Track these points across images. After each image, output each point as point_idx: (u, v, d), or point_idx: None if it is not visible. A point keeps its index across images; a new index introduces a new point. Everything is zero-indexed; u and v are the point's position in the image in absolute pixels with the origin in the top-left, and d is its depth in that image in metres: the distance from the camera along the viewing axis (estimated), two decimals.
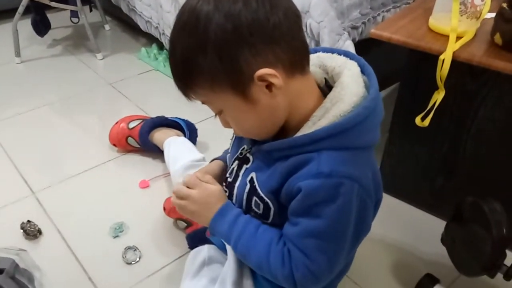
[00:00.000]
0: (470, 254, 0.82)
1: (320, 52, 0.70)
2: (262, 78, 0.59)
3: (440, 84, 0.91)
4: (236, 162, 0.74)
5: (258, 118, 0.64)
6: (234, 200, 0.74)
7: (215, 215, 0.73)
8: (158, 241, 1.07)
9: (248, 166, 0.71)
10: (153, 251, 1.05)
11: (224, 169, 0.88)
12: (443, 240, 0.90)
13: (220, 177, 0.85)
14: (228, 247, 0.82)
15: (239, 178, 0.72)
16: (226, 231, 0.72)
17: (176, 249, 1.05)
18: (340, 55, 0.69)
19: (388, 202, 1.16)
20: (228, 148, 0.88)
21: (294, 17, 0.61)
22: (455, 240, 0.87)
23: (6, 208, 1.16)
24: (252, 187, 0.68)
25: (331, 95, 0.63)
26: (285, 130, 0.67)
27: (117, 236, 1.08)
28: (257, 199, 0.69)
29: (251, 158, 0.71)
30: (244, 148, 0.74)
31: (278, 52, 0.59)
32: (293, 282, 0.66)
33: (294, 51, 0.61)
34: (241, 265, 0.80)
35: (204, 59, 0.58)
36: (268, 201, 0.67)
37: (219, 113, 0.67)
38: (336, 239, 0.64)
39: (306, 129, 0.63)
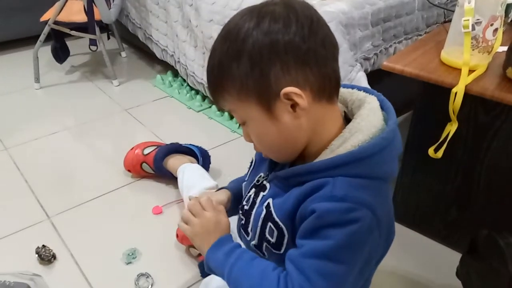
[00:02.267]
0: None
1: (341, 88, 0.72)
2: (288, 96, 0.60)
3: (453, 116, 0.91)
4: (253, 189, 0.75)
5: (279, 136, 0.65)
6: (249, 228, 0.74)
7: (214, 244, 0.72)
8: (171, 268, 1.07)
9: (265, 193, 0.72)
10: (165, 278, 1.05)
11: (230, 199, 0.88)
12: (458, 273, 0.89)
13: (225, 207, 0.85)
14: None
15: (256, 205, 0.72)
16: (221, 260, 0.71)
17: (188, 276, 1.05)
18: (360, 90, 0.71)
19: (401, 232, 1.15)
20: (237, 178, 0.89)
21: (331, 47, 0.63)
22: (470, 274, 0.86)
23: (22, 232, 1.18)
24: (268, 212, 0.68)
25: (350, 125, 0.65)
26: (303, 157, 0.68)
27: (130, 262, 1.08)
28: (272, 225, 0.68)
29: (268, 185, 0.72)
30: (261, 175, 0.75)
31: (308, 75, 0.60)
32: None
33: (324, 78, 0.62)
34: None
35: (237, 66, 0.61)
36: (283, 227, 0.67)
37: (242, 124, 0.68)
38: (341, 265, 0.61)
39: (324, 157, 0.63)
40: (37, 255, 1.07)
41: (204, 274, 0.98)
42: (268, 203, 0.69)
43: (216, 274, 0.75)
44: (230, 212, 0.88)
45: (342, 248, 0.60)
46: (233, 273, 0.69)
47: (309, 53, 0.60)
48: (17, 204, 1.28)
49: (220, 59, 0.63)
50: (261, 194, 0.72)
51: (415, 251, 1.13)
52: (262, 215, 0.70)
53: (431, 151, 0.97)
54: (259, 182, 0.74)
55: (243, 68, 0.61)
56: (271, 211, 0.68)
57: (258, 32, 0.59)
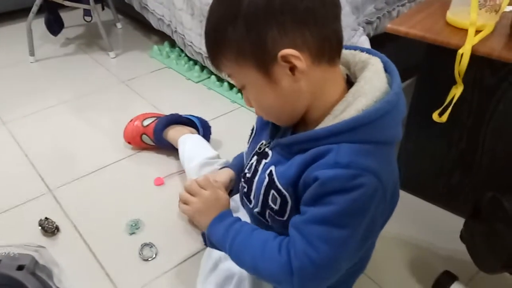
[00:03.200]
0: (490, 250, 0.81)
1: (343, 49, 0.70)
2: (285, 59, 0.59)
3: (459, 79, 0.89)
4: (255, 157, 0.74)
5: (278, 99, 0.63)
6: (252, 196, 0.73)
7: (214, 219, 0.74)
8: (174, 238, 1.08)
9: (267, 160, 0.71)
10: (169, 248, 1.05)
11: (233, 178, 0.89)
12: (462, 237, 0.89)
13: (228, 186, 0.87)
14: None
15: (258, 173, 0.72)
16: (222, 234, 0.72)
17: (192, 246, 1.05)
18: (363, 52, 0.69)
19: (404, 198, 1.15)
20: (239, 154, 0.89)
21: (331, 6, 0.60)
22: (474, 237, 0.86)
23: (24, 205, 1.18)
24: (271, 179, 0.68)
25: (353, 89, 0.63)
26: (305, 123, 0.67)
27: (134, 233, 1.09)
28: (275, 193, 0.68)
29: (270, 152, 0.71)
30: (262, 143, 0.74)
31: (306, 36, 0.58)
32: (290, 271, 0.62)
33: (323, 38, 0.60)
34: None
35: (233, 30, 0.59)
36: (286, 194, 0.66)
37: (242, 88, 0.67)
38: (344, 230, 0.60)
39: (327, 123, 0.62)
40: (40, 228, 1.08)
41: (207, 242, 0.98)
42: (271, 170, 0.68)
43: (219, 249, 0.76)
44: (235, 191, 0.88)
45: (345, 214, 0.59)
46: (234, 246, 0.70)
47: (307, 12, 0.57)
48: (18, 177, 1.28)
49: (216, 23, 0.62)
50: (263, 161, 0.71)
51: (418, 216, 1.13)
52: (265, 183, 0.69)
53: (435, 115, 0.96)
54: (261, 150, 0.73)
55: (239, 32, 0.59)
56: (273, 178, 0.67)
57: None
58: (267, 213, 0.71)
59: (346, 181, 0.58)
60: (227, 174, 0.91)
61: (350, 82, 0.67)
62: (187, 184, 0.80)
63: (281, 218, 0.69)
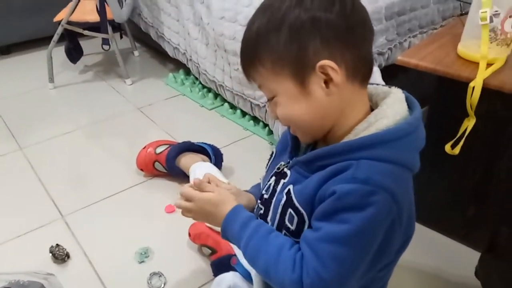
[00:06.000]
0: None
1: None
2: (323, 70, 0.60)
3: (471, 111, 0.89)
4: (273, 178, 0.74)
5: (308, 111, 0.64)
6: (269, 217, 0.72)
7: (227, 217, 0.72)
8: (183, 268, 1.07)
9: (285, 180, 0.70)
10: (178, 277, 1.04)
11: (252, 200, 0.86)
12: (477, 273, 0.86)
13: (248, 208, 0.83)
14: (253, 276, 0.81)
15: (276, 193, 0.71)
16: (237, 232, 0.70)
17: (201, 276, 1.04)
18: (385, 86, 0.71)
19: (418, 230, 1.12)
20: (258, 183, 0.88)
21: (369, 31, 0.64)
22: (490, 274, 0.83)
23: (36, 231, 1.19)
24: (289, 198, 0.67)
25: (376, 111, 0.64)
26: (326, 142, 0.67)
27: (143, 261, 1.08)
28: (292, 212, 0.67)
29: (288, 172, 0.71)
30: (281, 163, 0.73)
31: (345, 53, 0.61)
32: None
33: (360, 59, 0.63)
34: None
35: (276, 37, 0.61)
36: (303, 213, 0.65)
37: (271, 99, 0.67)
38: (356, 250, 0.60)
39: (347, 140, 0.63)
40: (51, 254, 1.08)
41: (216, 273, 0.98)
42: (289, 189, 0.68)
43: (233, 244, 0.74)
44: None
45: (358, 234, 0.59)
46: (250, 246, 0.69)
47: (350, 32, 0.60)
48: (31, 203, 1.30)
49: (259, 30, 0.63)
50: (282, 181, 0.71)
51: (432, 249, 1.10)
52: (282, 202, 0.69)
53: (448, 148, 0.94)
54: (280, 170, 0.73)
55: (282, 39, 0.61)
56: (291, 196, 0.67)
57: (300, 8, 0.60)
58: (283, 234, 0.69)
59: (361, 197, 0.58)
60: (246, 196, 0.86)
61: (372, 111, 0.67)
62: (181, 192, 0.80)
63: (297, 240, 0.68)
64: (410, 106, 0.67)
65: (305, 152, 0.71)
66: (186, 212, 0.79)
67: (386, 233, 0.61)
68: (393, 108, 0.64)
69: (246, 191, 0.91)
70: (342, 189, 0.58)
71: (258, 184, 0.90)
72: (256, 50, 0.64)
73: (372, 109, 0.67)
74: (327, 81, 0.61)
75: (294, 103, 0.64)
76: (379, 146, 0.60)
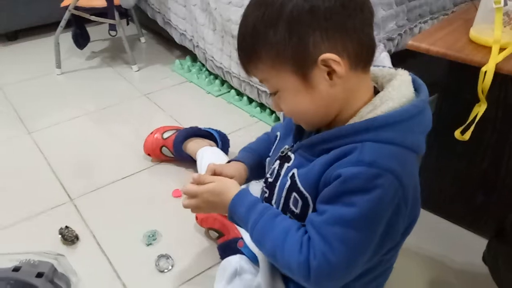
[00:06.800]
0: None
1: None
2: (325, 63, 0.59)
3: (482, 97, 0.88)
4: (278, 161, 0.74)
5: (313, 103, 0.63)
6: (273, 201, 0.73)
7: (233, 199, 0.72)
8: (190, 250, 1.08)
9: (289, 164, 0.70)
10: (185, 259, 1.05)
11: (243, 171, 0.85)
12: (485, 259, 0.86)
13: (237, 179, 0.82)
14: (261, 260, 0.82)
15: (281, 177, 0.71)
16: (243, 215, 0.70)
17: (208, 258, 1.05)
18: (391, 68, 0.70)
19: (425, 217, 1.12)
20: (249, 144, 0.90)
21: (368, 13, 0.62)
22: (498, 259, 0.83)
23: (46, 213, 1.20)
24: (293, 181, 0.68)
25: (381, 94, 0.64)
26: (330, 126, 0.67)
27: (151, 244, 1.09)
28: (296, 195, 0.67)
29: (292, 156, 0.71)
30: (286, 147, 0.74)
31: (346, 42, 0.59)
32: (308, 271, 0.62)
33: (361, 45, 0.61)
34: (274, 278, 0.79)
35: (274, 33, 0.59)
36: (308, 197, 0.66)
37: (274, 93, 0.67)
38: (363, 232, 0.60)
39: (352, 122, 0.63)
40: (60, 236, 1.09)
41: (223, 256, 0.98)
42: (293, 173, 0.68)
43: (240, 226, 0.75)
44: (248, 179, 0.87)
45: (365, 216, 0.59)
46: (256, 229, 0.69)
47: (349, 20, 0.59)
48: (41, 186, 1.31)
49: (255, 26, 0.61)
50: (286, 165, 0.71)
51: (439, 236, 1.11)
52: (287, 185, 0.69)
53: (457, 133, 0.94)
54: (284, 153, 0.73)
55: (281, 35, 0.59)
56: (295, 180, 0.67)
57: None
58: (288, 217, 0.70)
59: (367, 180, 0.58)
60: (234, 169, 0.85)
61: (377, 92, 0.67)
62: (184, 190, 0.80)
63: (302, 223, 0.68)
64: (417, 89, 0.66)
65: (309, 136, 0.71)
66: (195, 209, 0.80)
67: (392, 215, 0.61)
68: (399, 90, 0.63)
69: (235, 159, 0.88)
70: (347, 172, 0.58)
71: (247, 147, 0.91)
72: (253, 46, 0.63)
73: (377, 92, 0.67)
74: (330, 73, 0.60)
75: (298, 97, 0.64)
76: (384, 128, 0.60)
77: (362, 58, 0.62)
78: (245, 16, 0.64)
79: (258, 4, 0.62)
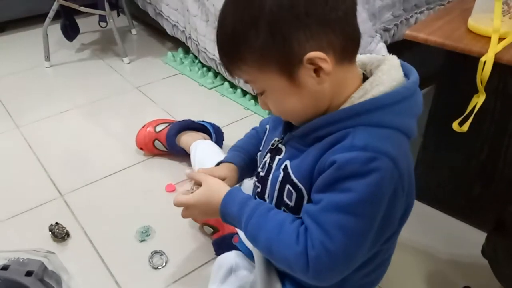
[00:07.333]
0: None
1: (358, 55, 0.68)
2: (311, 61, 0.57)
3: (481, 87, 0.86)
4: (268, 155, 0.72)
5: (301, 102, 0.62)
6: (266, 195, 0.71)
7: (223, 200, 0.71)
8: (185, 246, 1.06)
9: (280, 156, 0.69)
10: (180, 256, 1.03)
11: (236, 170, 0.84)
12: (484, 252, 0.85)
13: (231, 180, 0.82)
14: (256, 255, 0.80)
15: (272, 170, 0.70)
16: (236, 214, 0.69)
17: (203, 254, 1.03)
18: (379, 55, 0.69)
19: (422, 210, 1.12)
20: (237, 141, 0.89)
21: (351, 3, 0.60)
22: (497, 252, 0.82)
23: (35, 210, 1.17)
24: (286, 174, 0.66)
25: (371, 79, 0.62)
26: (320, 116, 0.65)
27: (144, 240, 1.07)
28: (290, 187, 0.66)
29: (283, 148, 0.69)
30: (276, 139, 0.72)
31: (331, 38, 0.58)
32: (306, 262, 0.60)
33: (347, 38, 0.59)
34: (269, 273, 0.77)
35: (255, 35, 0.57)
36: (302, 188, 0.64)
37: (260, 93, 0.65)
38: (361, 219, 0.58)
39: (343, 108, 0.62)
40: (50, 233, 1.07)
41: (218, 252, 0.96)
42: (285, 165, 0.66)
43: (235, 226, 0.73)
44: (240, 179, 0.85)
45: (362, 201, 0.57)
46: (249, 226, 0.67)
47: (332, 13, 0.56)
48: (30, 182, 1.27)
49: (235, 28, 0.59)
50: (277, 157, 0.70)
51: (437, 229, 1.10)
52: (280, 178, 0.67)
53: (455, 125, 0.92)
54: (274, 146, 0.72)
55: (263, 37, 0.57)
56: (288, 172, 0.66)
57: None
58: (282, 211, 0.68)
59: (362, 164, 0.56)
60: (225, 169, 0.84)
61: (366, 79, 0.65)
62: (174, 202, 0.78)
63: (297, 215, 0.66)
64: (406, 74, 0.65)
65: (298, 126, 0.69)
66: (193, 218, 0.80)
67: (389, 200, 0.59)
68: (389, 74, 0.62)
69: (224, 161, 0.87)
70: (342, 158, 0.57)
71: (235, 145, 0.89)
72: (236, 51, 0.60)
73: (366, 78, 0.65)
74: (317, 70, 0.58)
75: (285, 96, 0.62)
76: (376, 111, 0.59)
77: (348, 50, 0.61)
78: (222, 15, 0.61)
79: (235, 1, 0.59)
